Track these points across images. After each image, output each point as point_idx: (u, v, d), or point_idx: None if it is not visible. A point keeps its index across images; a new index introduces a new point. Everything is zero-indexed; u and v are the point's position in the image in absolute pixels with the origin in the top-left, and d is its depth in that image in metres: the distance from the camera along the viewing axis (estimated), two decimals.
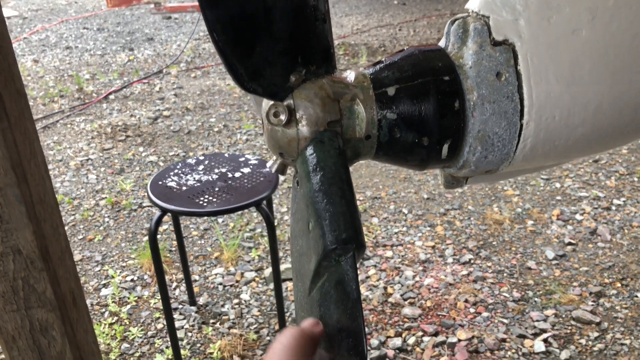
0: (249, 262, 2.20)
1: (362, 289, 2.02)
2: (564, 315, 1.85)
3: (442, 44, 0.53)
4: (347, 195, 0.44)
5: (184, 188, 1.54)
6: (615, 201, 2.50)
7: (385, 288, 2.02)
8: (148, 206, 2.64)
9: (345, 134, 0.51)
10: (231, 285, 2.08)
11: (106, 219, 2.56)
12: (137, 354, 1.80)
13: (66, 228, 2.52)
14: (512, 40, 0.48)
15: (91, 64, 5.00)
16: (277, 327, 1.83)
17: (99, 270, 2.22)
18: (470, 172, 0.53)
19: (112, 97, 4.13)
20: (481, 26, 0.49)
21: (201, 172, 1.63)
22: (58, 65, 5.01)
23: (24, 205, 0.56)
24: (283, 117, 0.49)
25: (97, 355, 0.69)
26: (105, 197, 2.73)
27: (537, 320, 1.82)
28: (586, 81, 0.48)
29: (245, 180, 1.58)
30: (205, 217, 2.48)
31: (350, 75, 0.52)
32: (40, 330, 0.60)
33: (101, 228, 2.50)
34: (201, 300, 2.00)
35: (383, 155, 0.51)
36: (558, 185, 2.67)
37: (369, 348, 1.76)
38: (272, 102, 0.50)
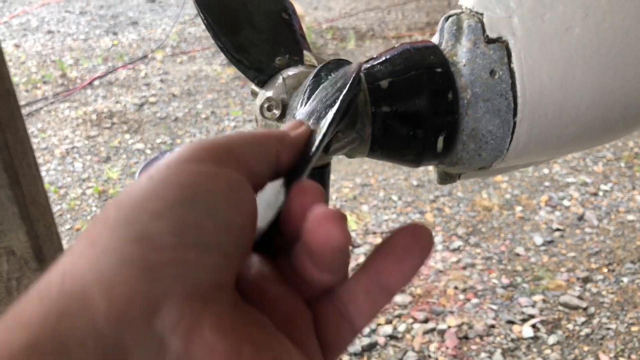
0: None
1: None
2: (551, 301, 1.87)
3: (435, 40, 0.53)
4: None
5: None
6: (603, 187, 2.53)
7: None
8: None
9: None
10: None
11: (93, 208, 2.54)
12: None
13: None
14: (506, 37, 0.48)
15: (74, 48, 4.92)
16: None
17: None
18: (463, 168, 0.53)
19: (96, 83, 4.07)
20: (475, 23, 0.49)
21: None
22: (40, 50, 4.92)
23: (17, 206, 0.55)
24: (277, 112, 0.50)
25: None
26: (92, 186, 2.70)
27: (526, 306, 1.85)
28: (579, 79, 0.48)
29: None
30: None
31: None
32: None
33: (88, 217, 2.48)
34: None
35: (378, 150, 0.51)
36: (546, 171, 2.69)
37: (359, 335, 1.77)
38: (265, 97, 0.50)
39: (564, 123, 0.49)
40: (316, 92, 0.42)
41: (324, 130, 0.28)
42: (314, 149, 0.27)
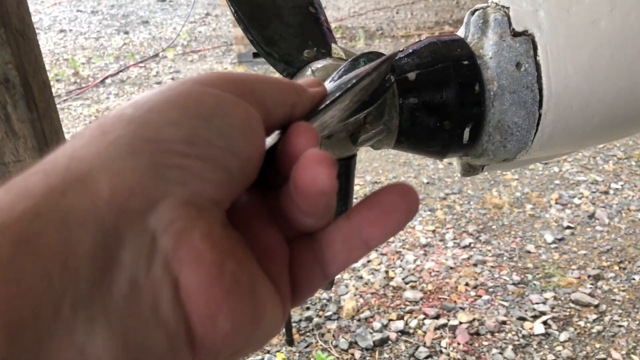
0: None
1: (364, 273, 2.05)
2: (562, 298, 1.88)
3: (461, 33, 0.54)
4: None
5: None
6: (613, 185, 2.52)
7: (386, 272, 2.05)
8: None
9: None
10: None
11: None
12: None
13: None
14: (532, 31, 0.49)
15: (86, 47, 4.96)
16: None
17: None
18: (488, 160, 0.55)
19: (108, 81, 4.10)
20: (501, 17, 0.50)
21: None
22: (53, 48, 4.96)
23: None
24: None
25: None
26: None
27: (537, 303, 1.85)
28: (604, 72, 0.49)
29: None
30: None
31: None
32: None
33: None
34: None
35: (405, 141, 0.52)
36: (556, 169, 2.69)
37: (371, 330, 1.79)
38: None
39: (588, 115, 0.50)
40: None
41: (337, 94, 0.28)
42: (322, 106, 0.28)
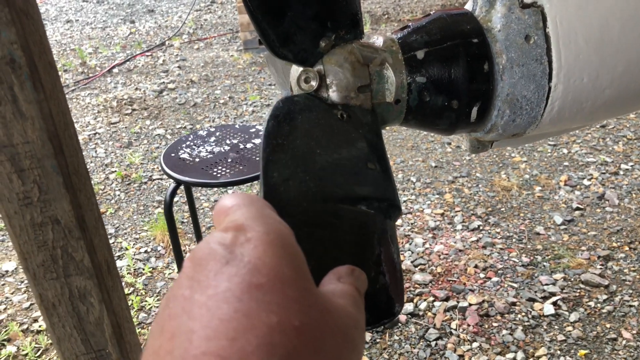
0: None
1: None
2: (572, 279, 1.88)
3: (468, 6, 0.54)
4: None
5: (197, 160, 1.55)
6: (623, 166, 2.50)
7: None
8: (158, 179, 2.66)
9: (375, 99, 0.51)
10: None
11: (117, 192, 2.58)
12: None
13: None
14: (541, 2, 0.48)
15: (93, 37, 4.96)
16: None
17: (113, 243, 2.25)
18: (497, 135, 0.54)
19: (115, 70, 4.11)
20: None
21: (213, 144, 1.64)
22: (60, 39, 4.97)
23: (61, 176, 0.57)
24: (314, 83, 0.50)
25: (130, 321, 0.71)
26: (115, 171, 2.75)
27: (546, 284, 1.85)
28: (615, 43, 0.48)
29: (257, 151, 1.59)
30: (216, 189, 2.50)
31: (378, 40, 0.52)
32: (79, 297, 0.62)
33: (112, 201, 2.52)
34: None
35: (412, 120, 0.52)
36: (565, 151, 2.67)
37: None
38: (302, 69, 0.50)
39: (599, 87, 0.50)
40: None
41: None
42: None
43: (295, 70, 0.52)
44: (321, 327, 0.23)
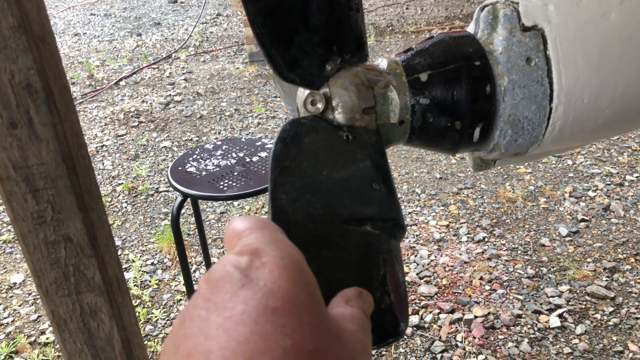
0: None
1: None
2: (578, 291, 1.87)
3: (470, 29, 0.55)
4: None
5: (204, 173, 1.57)
6: (628, 177, 2.50)
7: None
8: (164, 191, 2.68)
9: (379, 120, 0.52)
10: None
11: (124, 205, 2.60)
12: (160, 335, 1.85)
13: None
14: (542, 25, 0.50)
15: (100, 50, 5.01)
16: None
17: (120, 255, 2.27)
18: (500, 154, 0.55)
19: (122, 83, 4.15)
20: (511, 12, 0.51)
21: (219, 157, 1.66)
22: (67, 52, 5.02)
23: (74, 195, 0.59)
24: (320, 105, 0.51)
25: (139, 337, 0.72)
26: (122, 183, 2.77)
27: (552, 296, 1.85)
28: (615, 64, 0.50)
29: (263, 164, 1.61)
30: (222, 201, 2.52)
31: (382, 63, 0.54)
32: (90, 314, 0.63)
33: (119, 213, 2.54)
34: None
35: (416, 140, 0.53)
36: (570, 162, 2.67)
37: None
38: (308, 91, 0.51)
39: (599, 107, 0.51)
40: None
41: None
42: None
43: (302, 92, 0.53)
44: (333, 352, 0.24)
